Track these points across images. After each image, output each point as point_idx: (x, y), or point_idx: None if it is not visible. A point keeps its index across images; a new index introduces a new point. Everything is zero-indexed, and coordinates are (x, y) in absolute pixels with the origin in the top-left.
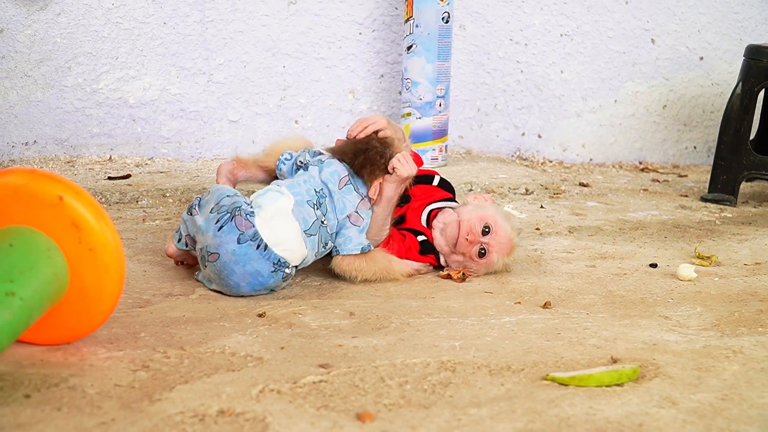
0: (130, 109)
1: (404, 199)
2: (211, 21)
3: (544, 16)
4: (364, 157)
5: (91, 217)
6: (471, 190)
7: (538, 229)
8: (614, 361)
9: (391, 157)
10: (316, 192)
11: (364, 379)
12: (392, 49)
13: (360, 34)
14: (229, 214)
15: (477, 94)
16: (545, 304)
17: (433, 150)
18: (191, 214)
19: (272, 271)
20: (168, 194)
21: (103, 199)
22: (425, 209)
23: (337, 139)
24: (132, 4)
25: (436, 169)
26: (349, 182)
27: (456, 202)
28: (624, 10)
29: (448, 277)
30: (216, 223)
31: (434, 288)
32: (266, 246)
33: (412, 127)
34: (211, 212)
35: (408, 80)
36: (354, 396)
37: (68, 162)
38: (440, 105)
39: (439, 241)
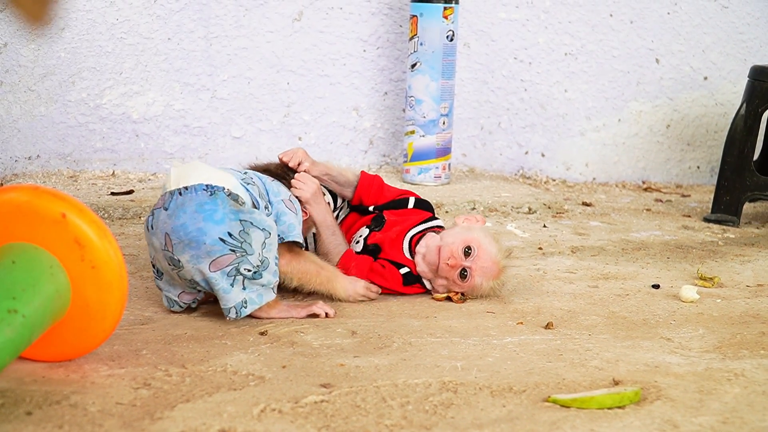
0: (134, 125)
1: (377, 223)
2: (215, 37)
3: (549, 35)
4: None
5: (93, 235)
6: (474, 208)
7: (540, 248)
8: (616, 383)
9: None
10: (238, 172)
11: (366, 399)
12: (396, 66)
13: (364, 51)
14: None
15: (481, 113)
16: (547, 324)
17: (437, 168)
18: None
19: (210, 195)
20: None
21: (106, 215)
22: (406, 236)
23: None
24: (136, 19)
25: (417, 190)
26: (279, 183)
27: (437, 218)
28: (628, 30)
29: (448, 299)
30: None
31: (436, 308)
32: (191, 186)
33: (415, 145)
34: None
35: (412, 98)
36: (355, 416)
37: (71, 177)
38: (444, 123)
39: (422, 267)
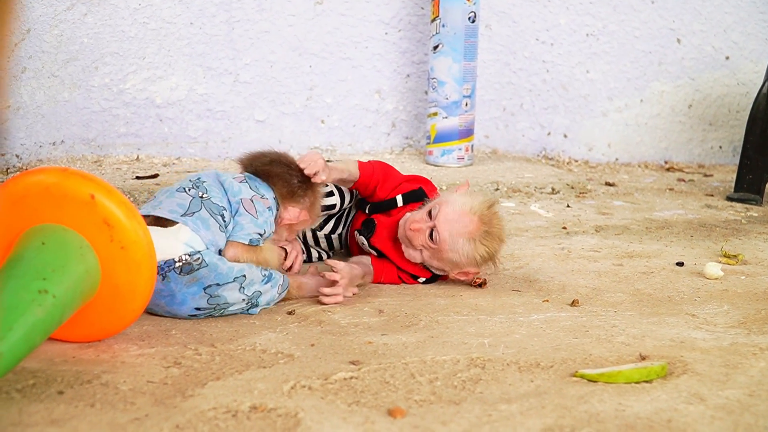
0: (157, 109)
1: (368, 228)
2: (237, 21)
3: (570, 16)
4: (273, 165)
5: (122, 215)
6: (497, 189)
7: (564, 228)
8: (642, 358)
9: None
10: (189, 180)
11: (395, 375)
12: (418, 48)
13: (386, 34)
14: None
15: (503, 94)
16: (573, 302)
17: (459, 149)
18: None
19: (163, 279)
20: None
21: (132, 199)
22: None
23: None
24: (159, 4)
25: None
26: (245, 180)
27: (428, 198)
28: (650, 10)
29: (474, 284)
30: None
31: (462, 287)
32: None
33: (438, 127)
34: None
35: (434, 80)
36: (385, 392)
37: (95, 162)
38: (466, 104)
39: (407, 253)
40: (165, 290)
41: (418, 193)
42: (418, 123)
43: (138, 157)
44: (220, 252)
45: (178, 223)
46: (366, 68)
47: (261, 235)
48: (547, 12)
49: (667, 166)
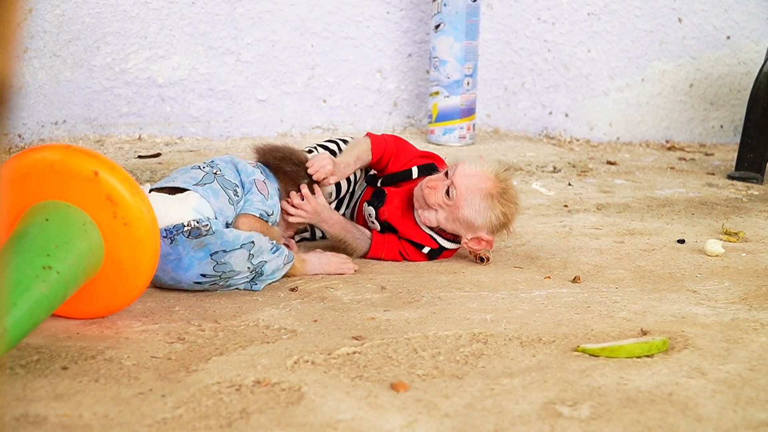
0: (159, 89)
1: (378, 198)
2: (239, 0)
3: None
4: (281, 158)
5: (126, 192)
6: None
7: (566, 206)
8: (644, 333)
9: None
10: (204, 162)
11: (397, 350)
12: (420, 28)
13: (388, 13)
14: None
15: (504, 73)
16: (575, 278)
17: (461, 128)
18: None
19: (171, 242)
20: None
21: (134, 177)
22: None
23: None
24: None
25: (445, 151)
26: (257, 166)
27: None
28: None
29: (481, 260)
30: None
31: (464, 263)
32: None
33: (440, 106)
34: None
35: (436, 59)
36: (388, 367)
37: (98, 141)
38: (468, 84)
39: (421, 215)
40: (172, 254)
41: (432, 167)
42: (419, 102)
43: (140, 136)
44: (227, 225)
45: (189, 190)
46: (368, 47)
47: (269, 215)
48: None
49: (668, 145)
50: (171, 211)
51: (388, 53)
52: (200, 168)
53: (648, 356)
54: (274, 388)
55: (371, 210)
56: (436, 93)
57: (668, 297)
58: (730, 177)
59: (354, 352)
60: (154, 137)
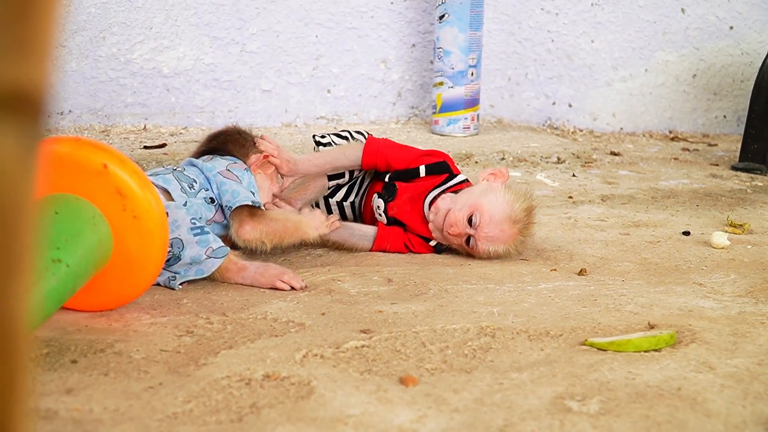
0: (164, 79)
1: (389, 192)
2: None
3: None
4: (224, 135)
5: (135, 185)
6: (503, 159)
7: (570, 197)
8: (651, 326)
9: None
10: (164, 166)
11: (406, 344)
12: (424, 18)
13: (392, 3)
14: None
15: (508, 64)
16: (581, 271)
17: (465, 119)
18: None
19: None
20: None
21: (140, 168)
22: (424, 206)
23: None
24: None
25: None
26: (212, 159)
27: (456, 176)
28: None
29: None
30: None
31: (469, 256)
32: None
33: (444, 97)
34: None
35: (440, 49)
36: (396, 360)
37: (103, 131)
38: (472, 74)
39: (436, 234)
40: None
41: (442, 166)
42: (423, 93)
43: (145, 126)
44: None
45: None
46: (372, 38)
47: (254, 194)
48: None
49: (671, 135)
50: None
51: (392, 44)
52: (163, 167)
53: (656, 350)
54: (283, 382)
55: (380, 202)
56: (441, 83)
57: (674, 290)
58: (734, 168)
59: (362, 346)
60: (159, 127)
